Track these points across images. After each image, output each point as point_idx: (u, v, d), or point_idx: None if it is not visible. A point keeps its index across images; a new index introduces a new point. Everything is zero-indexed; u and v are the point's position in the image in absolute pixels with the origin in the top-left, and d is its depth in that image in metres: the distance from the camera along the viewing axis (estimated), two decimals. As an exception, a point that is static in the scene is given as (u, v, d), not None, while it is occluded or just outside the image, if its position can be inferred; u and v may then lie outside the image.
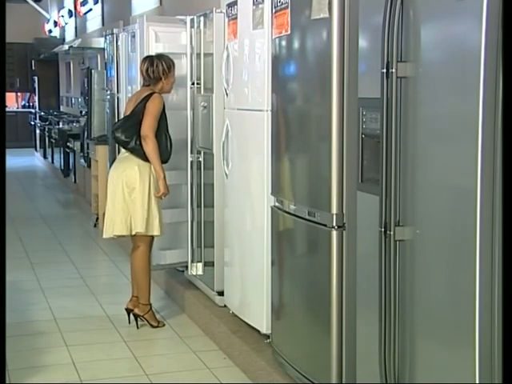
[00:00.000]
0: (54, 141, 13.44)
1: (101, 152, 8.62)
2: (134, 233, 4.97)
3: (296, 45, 3.73)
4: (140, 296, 5.04)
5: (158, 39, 5.73)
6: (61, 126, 13.29)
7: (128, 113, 5.03)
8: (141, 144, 4.90)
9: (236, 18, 4.55)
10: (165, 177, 4.96)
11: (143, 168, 4.94)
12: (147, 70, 5.01)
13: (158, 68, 4.97)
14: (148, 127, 4.88)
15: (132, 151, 4.95)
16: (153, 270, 5.32)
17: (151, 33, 5.73)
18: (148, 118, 4.89)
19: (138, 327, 5.04)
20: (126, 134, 4.94)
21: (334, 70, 3.31)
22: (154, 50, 5.60)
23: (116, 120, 7.51)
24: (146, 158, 4.93)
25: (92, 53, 11.68)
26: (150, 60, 5.06)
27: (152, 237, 5.07)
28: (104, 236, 5.09)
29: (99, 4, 12.55)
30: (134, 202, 4.93)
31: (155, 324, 5.06)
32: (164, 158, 4.99)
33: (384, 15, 2.72)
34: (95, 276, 6.66)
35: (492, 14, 2.30)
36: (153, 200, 4.95)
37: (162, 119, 4.99)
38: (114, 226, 4.98)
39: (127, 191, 4.95)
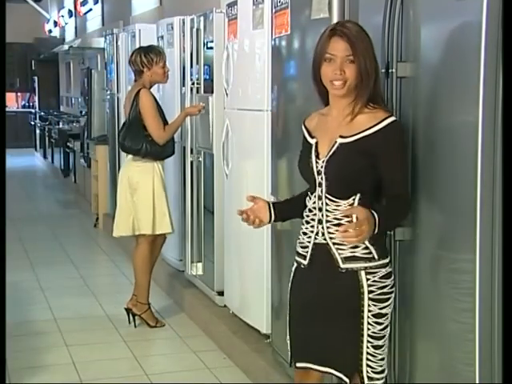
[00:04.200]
0: (53, 141, 13.43)
1: (101, 152, 8.62)
2: (137, 233, 5.02)
3: (296, 45, 3.73)
4: (138, 295, 5.05)
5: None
6: (61, 126, 13.29)
7: (127, 112, 5.03)
8: (151, 147, 4.90)
9: (236, 18, 4.55)
10: (184, 114, 5.07)
11: (145, 168, 4.96)
12: (129, 63, 5.09)
13: (135, 60, 4.97)
14: (155, 130, 4.89)
15: (145, 156, 4.96)
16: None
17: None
18: (149, 122, 4.90)
19: (135, 326, 5.05)
20: (134, 142, 4.94)
21: (334, 69, 3.30)
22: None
23: (116, 121, 7.54)
24: (157, 158, 4.96)
25: (92, 53, 11.68)
26: (131, 54, 5.13)
27: (154, 236, 5.08)
28: (113, 235, 5.20)
29: (99, 4, 12.54)
30: (136, 203, 4.98)
31: (153, 324, 5.05)
32: (167, 152, 5.01)
33: (384, 15, 2.72)
34: (95, 276, 6.65)
35: (492, 14, 2.30)
36: (159, 199, 4.98)
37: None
38: (118, 226, 5.09)
39: (129, 192, 5.00)
